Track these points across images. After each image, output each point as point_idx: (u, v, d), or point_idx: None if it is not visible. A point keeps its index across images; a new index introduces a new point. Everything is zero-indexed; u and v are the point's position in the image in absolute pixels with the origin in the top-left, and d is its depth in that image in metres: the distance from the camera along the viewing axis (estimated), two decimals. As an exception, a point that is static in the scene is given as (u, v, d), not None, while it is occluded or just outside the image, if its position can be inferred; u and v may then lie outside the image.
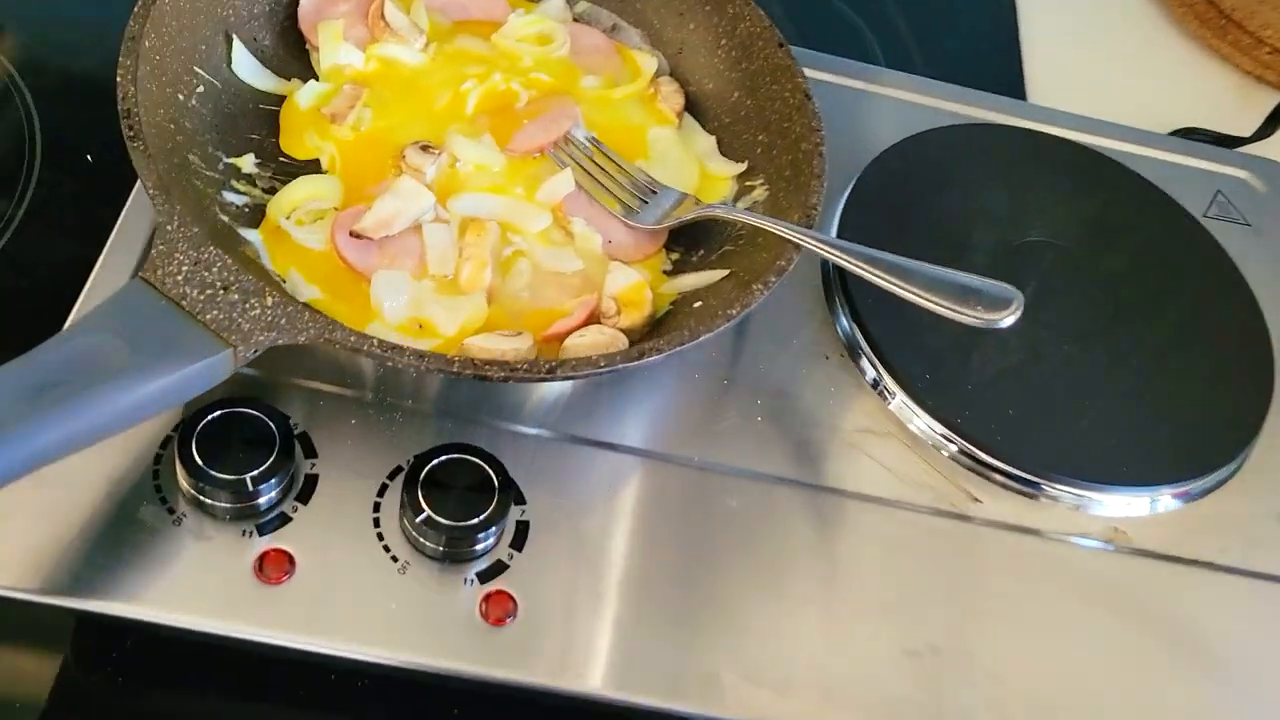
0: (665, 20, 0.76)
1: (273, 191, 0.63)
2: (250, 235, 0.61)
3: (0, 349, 0.61)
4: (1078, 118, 0.86)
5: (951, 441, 0.65)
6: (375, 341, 0.52)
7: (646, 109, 0.72)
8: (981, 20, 1.05)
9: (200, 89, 0.64)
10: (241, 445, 0.54)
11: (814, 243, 0.59)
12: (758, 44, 0.71)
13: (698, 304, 0.64)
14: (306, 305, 0.53)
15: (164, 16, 0.62)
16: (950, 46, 1.01)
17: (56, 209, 0.72)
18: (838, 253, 0.59)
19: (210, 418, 0.55)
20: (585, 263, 0.64)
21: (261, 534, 0.55)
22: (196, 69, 0.64)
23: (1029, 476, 0.65)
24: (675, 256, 0.67)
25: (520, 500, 0.58)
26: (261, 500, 0.54)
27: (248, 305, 0.52)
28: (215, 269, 0.53)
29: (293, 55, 0.70)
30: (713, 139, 0.72)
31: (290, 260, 0.60)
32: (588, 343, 0.59)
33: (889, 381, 0.67)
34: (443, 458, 0.56)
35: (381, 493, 0.57)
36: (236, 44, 0.67)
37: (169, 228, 0.54)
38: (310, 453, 0.57)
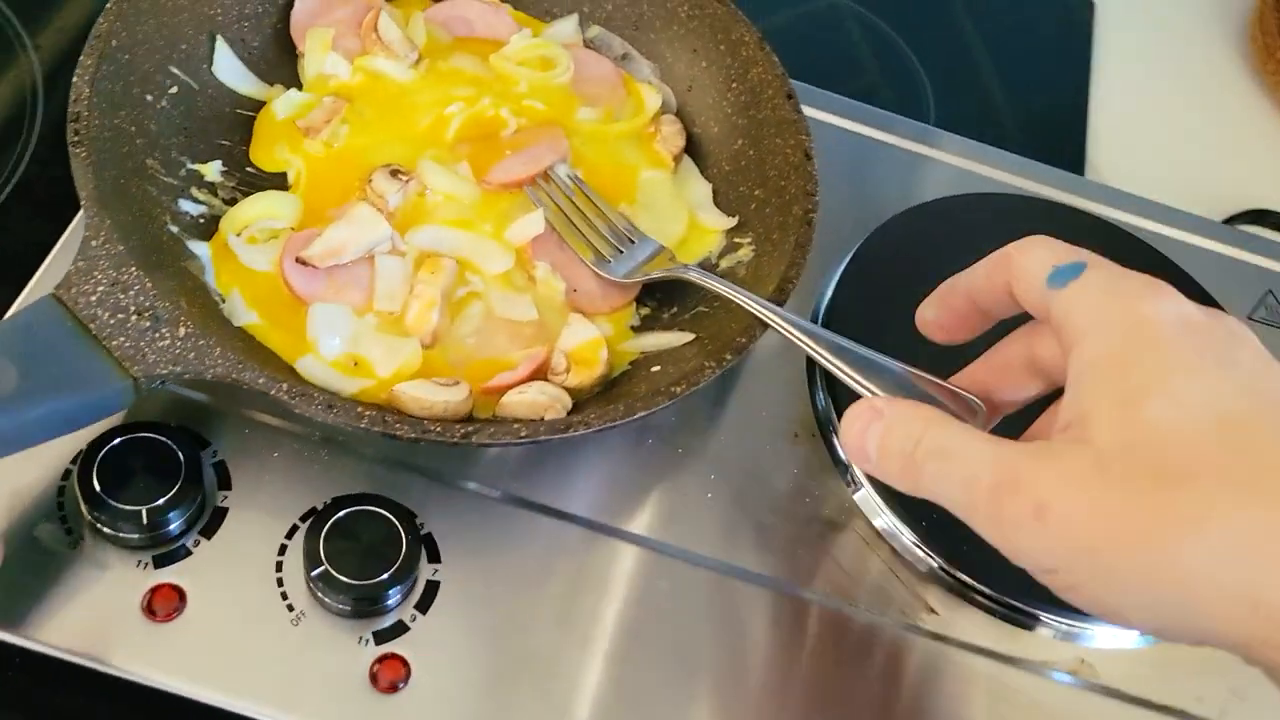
0: (678, 55, 0.71)
1: (233, 203, 0.61)
2: (199, 249, 0.59)
3: None
4: (1128, 197, 0.80)
5: (916, 546, 0.60)
6: (284, 387, 0.50)
7: (642, 149, 0.69)
8: (1050, 72, 0.98)
9: (173, 90, 0.62)
10: (147, 473, 0.53)
11: (779, 323, 0.55)
12: (767, 92, 0.67)
13: (655, 368, 0.60)
14: (219, 341, 0.51)
15: (140, 14, 0.60)
16: (1011, 100, 0.95)
17: (45, 191, 0.71)
18: (801, 337, 0.54)
19: (116, 442, 0.53)
20: (543, 312, 0.61)
21: (157, 566, 0.53)
22: (173, 69, 0.62)
23: (994, 594, 0.60)
24: (645, 311, 0.64)
25: (435, 558, 0.55)
26: (161, 532, 0.53)
27: (158, 334, 0.50)
28: (132, 292, 0.51)
29: (280, 60, 0.67)
30: (709, 187, 0.68)
31: (234, 280, 0.58)
32: (527, 401, 0.56)
33: (858, 472, 0.62)
34: (350, 509, 0.54)
35: (291, 534, 0.55)
36: (220, 44, 0.65)
37: (93, 243, 0.52)
38: (225, 484, 0.55)
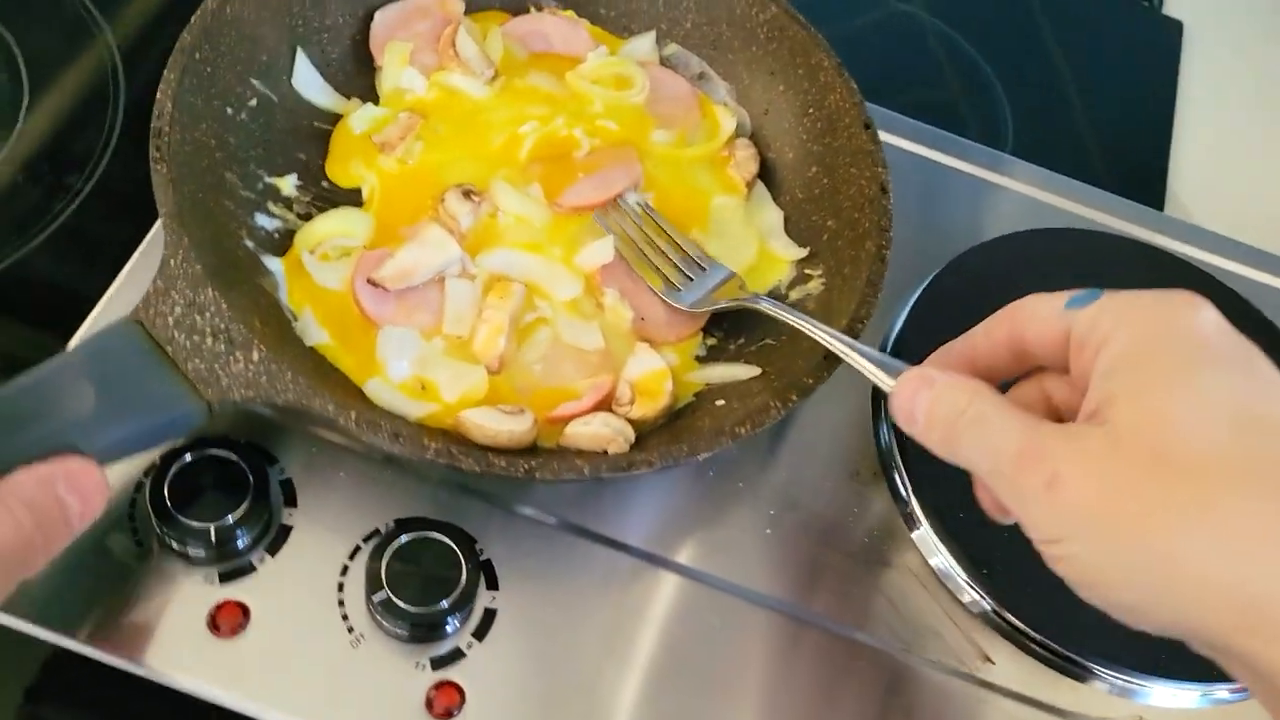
0: (755, 77, 0.71)
1: (308, 218, 0.62)
2: (273, 265, 0.59)
3: (47, 326, 0.65)
4: (1209, 235, 0.78)
5: (973, 589, 0.60)
6: (352, 415, 0.50)
7: (715, 174, 0.68)
8: (1134, 97, 0.95)
9: (253, 102, 0.62)
10: (216, 489, 0.53)
11: (852, 356, 0.53)
12: (844, 120, 0.66)
13: (720, 402, 0.59)
14: (291, 365, 0.51)
15: (224, 27, 0.60)
16: (1093, 125, 0.93)
17: (127, 187, 0.72)
18: (874, 372, 0.52)
19: (187, 458, 0.54)
20: (609, 339, 0.60)
21: (223, 582, 0.54)
22: (253, 81, 0.63)
23: (1050, 643, 0.59)
24: (712, 342, 0.63)
25: (493, 585, 0.56)
26: (228, 548, 0.53)
27: (233, 358, 0.51)
28: (208, 313, 0.51)
29: (358, 73, 0.68)
30: (781, 214, 0.68)
31: (306, 298, 0.59)
32: (590, 433, 0.56)
33: (918, 510, 0.61)
34: (413, 534, 0.54)
35: (353, 555, 0.55)
36: (301, 56, 0.65)
37: (171, 262, 0.52)
38: (291, 501, 0.56)
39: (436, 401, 0.57)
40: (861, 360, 0.51)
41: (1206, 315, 0.42)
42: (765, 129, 0.70)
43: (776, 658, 0.57)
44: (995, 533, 0.60)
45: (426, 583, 0.53)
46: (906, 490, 0.62)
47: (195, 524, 0.52)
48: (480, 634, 0.55)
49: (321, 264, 0.59)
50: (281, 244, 0.61)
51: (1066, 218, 0.77)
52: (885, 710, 0.57)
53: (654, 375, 0.59)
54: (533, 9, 0.72)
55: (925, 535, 0.61)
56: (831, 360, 0.56)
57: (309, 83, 0.65)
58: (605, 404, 0.58)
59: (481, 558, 0.56)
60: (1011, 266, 0.71)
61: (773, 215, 0.67)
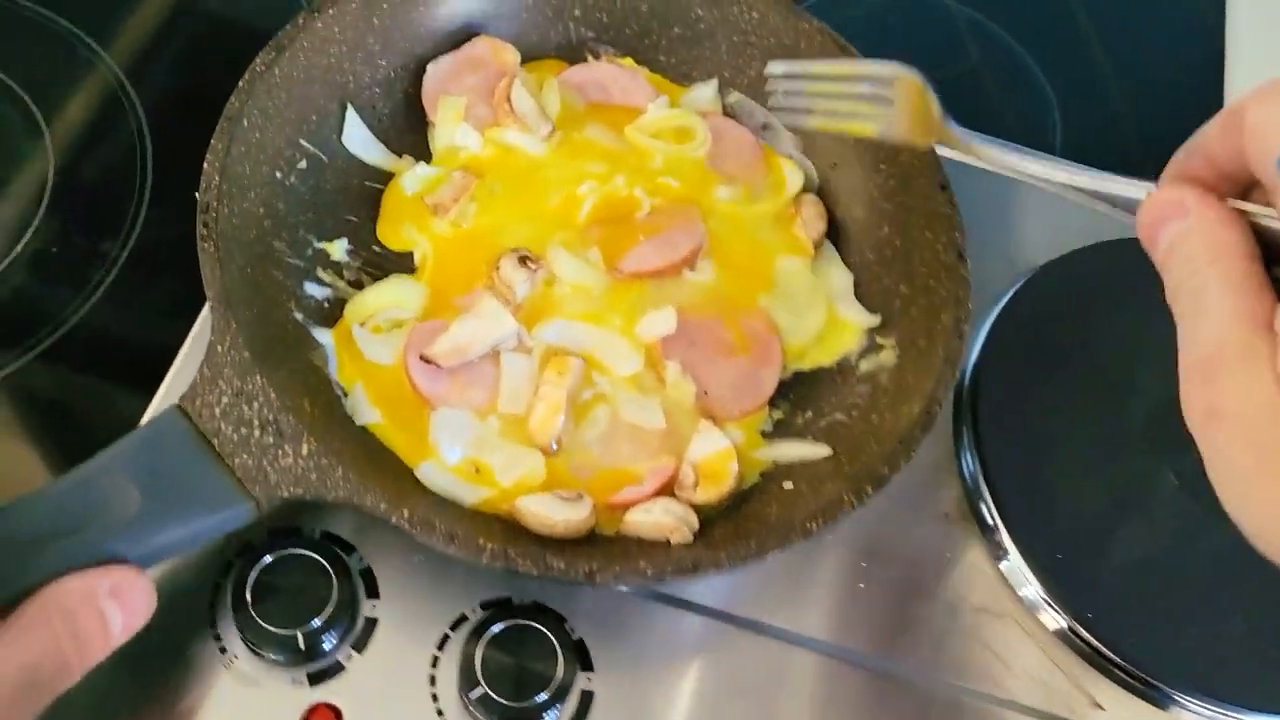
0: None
1: (358, 285, 0.60)
2: (323, 337, 0.57)
3: (96, 407, 0.64)
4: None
5: (1077, 635, 0.57)
6: (405, 514, 0.48)
7: (781, 231, 0.65)
8: (1180, 84, 0.90)
9: (302, 164, 0.60)
10: (299, 589, 0.51)
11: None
12: (919, 179, 0.63)
13: (787, 485, 0.57)
14: (341, 460, 0.49)
15: (272, 89, 0.58)
16: (1139, 119, 0.87)
17: (163, 252, 0.69)
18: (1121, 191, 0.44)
19: (266, 561, 0.51)
20: (671, 415, 0.58)
21: (312, 684, 0.51)
22: (303, 142, 0.60)
23: (1164, 687, 0.56)
24: (779, 415, 0.60)
25: (587, 666, 0.53)
26: (316, 649, 0.51)
27: (281, 451, 0.49)
28: (256, 403, 0.49)
29: (409, 129, 0.65)
30: (850, 277, 0.64)
31: (357, 373, 0.56)
32: (652, 521, 0.54)
33: (1014, 555, 0.58)
34: (504, 623, 0.52)
35: (441, 645, 0.53)
36: (351, 113, 0.63)
37: (219, 348, 0.50)
38: (372, 591, 0.54)
39: (492, 486, 0.54)
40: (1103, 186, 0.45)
41: None
42: (833, 184, 0.67)
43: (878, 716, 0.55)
44: (1097, 574, 0.58)
45: (523, 674, 0.51)
46: (1001, 538, 0.59)
47: (283, 631, 0.50)
48: (581, 717, 0.52)
49: (373, 337, 0.57)
50: (331, 314, 0.58)
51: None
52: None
53: (719, 456, 0.56)
54: (590, 56, 0.69)
55: (1024, 582, 0.58)
56: (906, 445, 0.54)
57: (359, 140, 0.63)
58: (667, 488, 0.56)
59: (573, 637, 0.53)
60: (1092, 284, 0.68)
61: (842, 278, 0.64)
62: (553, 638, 0.52)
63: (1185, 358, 0.37)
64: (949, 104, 0.61)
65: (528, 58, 0.67)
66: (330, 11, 0.61)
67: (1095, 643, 0.56)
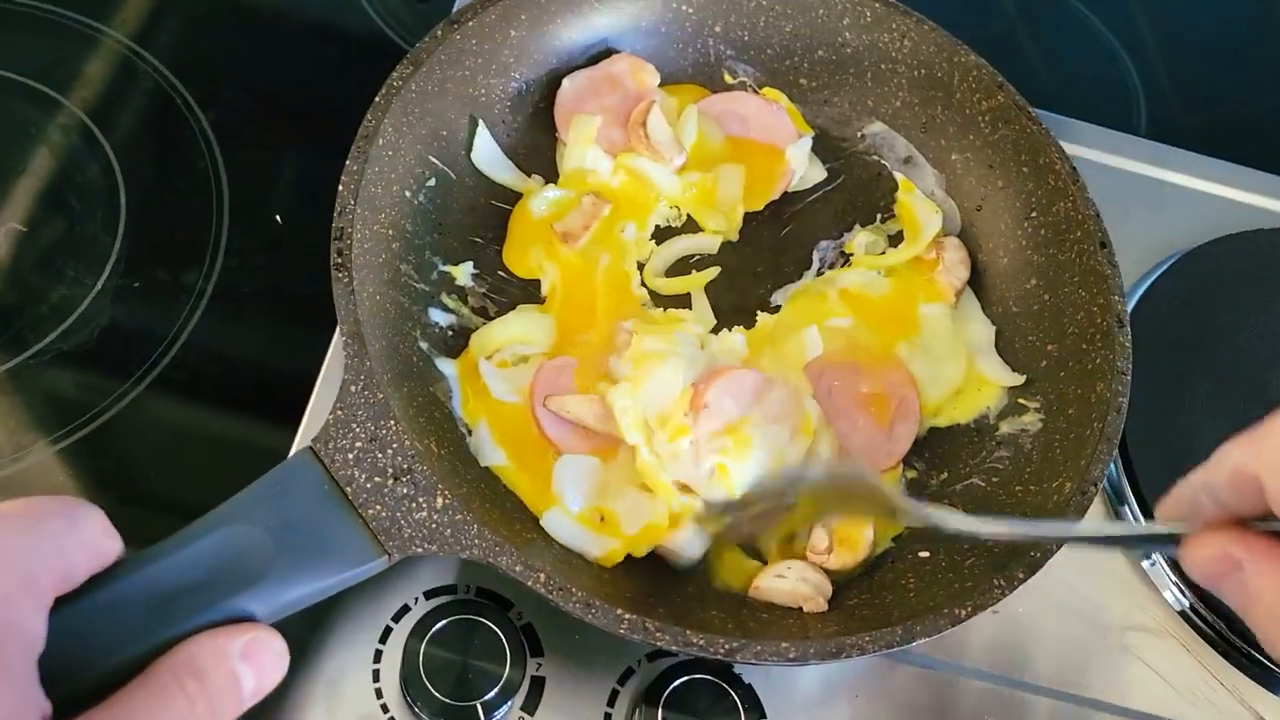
0: (971, 168, 0.64)
1: (483, 312, 0.57)
2: (446, 368, 0.55)
3: (207, 437, 0.61)
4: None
5: (1234, 647, 0.56)
6: (541, 579, 0.46)
7: (919, 277, 0.62)
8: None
9: (431, 182, 0.58)
10: (469, 660, 0.49)
11: (1085, 538, 0.48)
12: (1074, 233, 0.59)
13: (924, 554, 0.54)
14: (476, 517, 0.47)
15: (407, 105, 0.56)
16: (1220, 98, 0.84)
17: (248, 283, 0.65)
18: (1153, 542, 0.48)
19: (437, 628, 0.49)
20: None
21: None
22: (432, 159, 0.58)
23: None
24: (912, 475, 0.58)
25: (761, 713, 0.51)
26: (492, 716, 0.49)
27: (415, 504, 0.47)
28: (390, 451, 0.47)
29: (539, 146, 0.63)
30: (992, 329, 0.61)
31: (482, 410, 0.54)
32: (786, 589, 0.51)
33: (1165, 567, 0.58)
34: (679, 680, 0.50)
35: (612, 701, 0.51)
36: (481, 128, 0.60)
37: (353, 388, 0.48)
38: (536, 649, 0.52)
39: (616, 536, 0.52)
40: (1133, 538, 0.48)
41: None
42: (976, 227, 0.63)
43: None
44: None
45: None
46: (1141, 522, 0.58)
47: (461, 704, 0.48)
48: None
49: (499, 372, 0.55)
50: (455, 344, 0.56)
51: (1261, 216, 0.71)
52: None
53: (854, 520, 0.54)
54: (728, 76, 0.66)
55: (1180, 597, 0.57)
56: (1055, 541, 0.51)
57: (488, 157, 0.60)
58: (800, 552, 0.53)
59: (744, 682, 0.51)
60: (1228, 274, 0.66)
61: (982, 329, 0.61)
62: (729, 689, 0.50)
63: None
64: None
65: (666, 80, 0.64)
66: (470, 23, 0.58)
67: (1250, 649, 0.56)
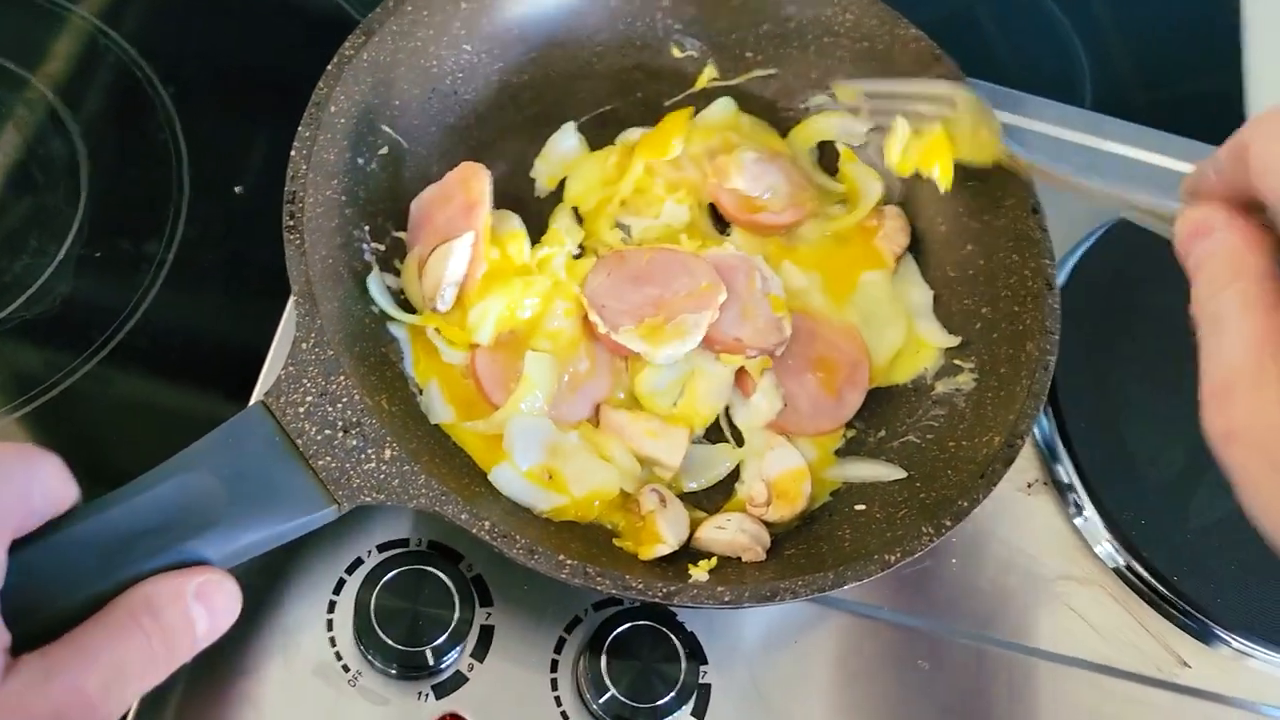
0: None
1: (435, 277, 0.59)
2: (398, 331, 0.57)
3: (167, 407, 0.62)
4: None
5: (1162, 598, 0.58)
6: (485, 526, 0.48)
7: (861, 244, 0.64)
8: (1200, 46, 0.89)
9: (384, 150, 0.59)
10: (419, 605, 0.51)
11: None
12: (1008, 200, 0.61)
13: (859, 507, 0.56)
14: (424, 468, 0.48)
15: (359, 74, 0.57)
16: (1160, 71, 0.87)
17: (208, 253, 0.66)
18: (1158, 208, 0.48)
19: (388, 577, 0.51)
20: (748, 433, 0.57)
21: (439, 697, 0.51)
22: (384, 127, 0.59)
23: (1249, 643, 0.58)
24: (851, 434, 0.60)
25: (702, 659, 0.53)
26: (441, 662, 0.51)
27: (364, 456, 0.48)
28: (339, 405, 0.49)
29: (488, 131, 0.64)
30: (930, 293, 0.63)
31: (433, 371, 0.56)
32: (727, 539, 0.53)
33: (1098, 522, 0.60)
34: (623, 626, 0.52)
35: (559, 648, 0.53)
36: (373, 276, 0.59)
37: (304, 345, 0.50)
38: (485, 600, 0.53)
39: (563, 493, 0.54)
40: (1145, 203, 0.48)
41: None
42: (918, 197, 0.65)
43: (988, 692, 0.56)
44: (1180, 535, 0.59)
45: (646, 676, 0.51)
46: (1082, 505, 0.60)
47: (410, 649, 0.50)
48: (700, 711, 0.52)
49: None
50: (406, 304, 0.58)
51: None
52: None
53: (792, 475, 0.56)
54: (675, 49, 0.67)
55: (1109, 550, 0.60)
56: (988, 480, 0.53)
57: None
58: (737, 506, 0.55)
59: (686, 630, 0.53)
60: (1166, 241, 0.66)
61: (921, 294, 0.63)
62: (673, 637, 0.52)
63: (1205, 382, 0.39)
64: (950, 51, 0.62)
65: (611, 51, 0.66)
66: (421, -6, 0.59)
67: (1184, 604, 0.58)
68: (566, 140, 0.64)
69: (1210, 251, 0.41)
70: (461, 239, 0.56)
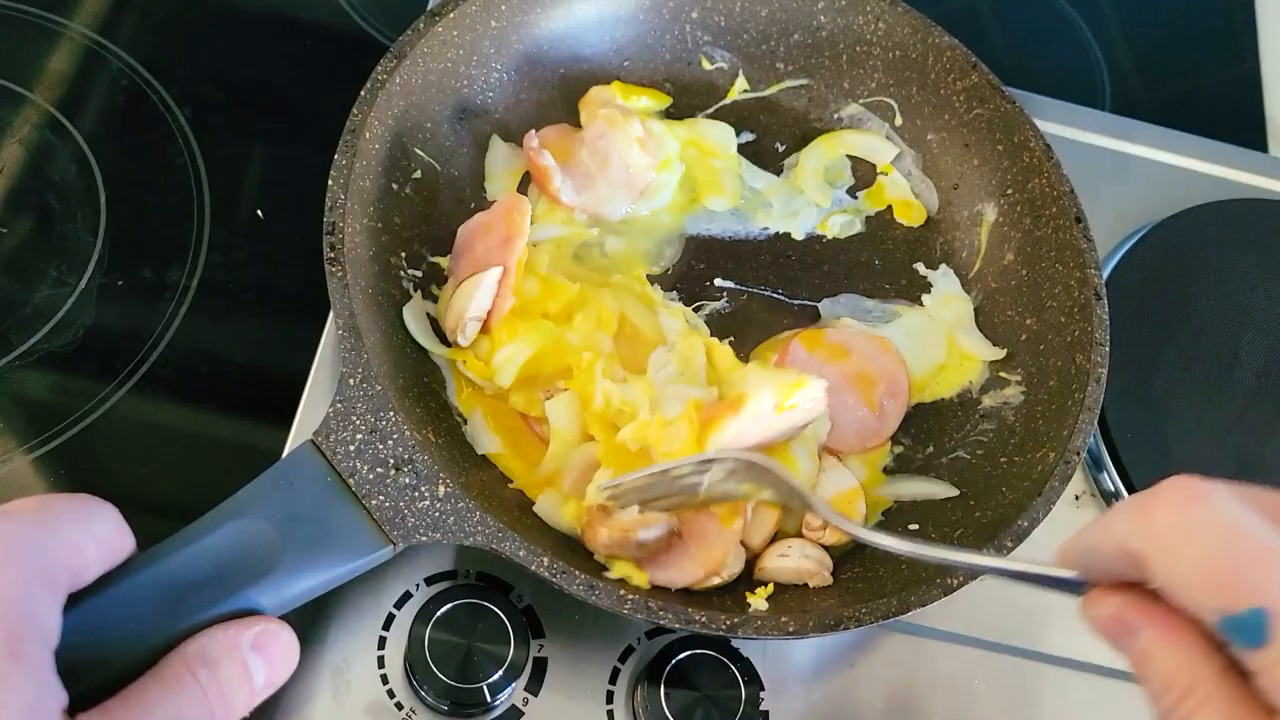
0: (947, 147, 0.65)
1: (473, 302, 0.58)
2: (439, 360, 0.56)
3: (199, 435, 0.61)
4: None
5: None
6: (544, 563, 0.47)
7: (900, 256, 0.63)
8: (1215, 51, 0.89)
9: (417, 174, 0.58)
10: (474, 644, 0.49)
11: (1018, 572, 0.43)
12: (1050, 209, 0.60)
13: (913, 527, 0.55)
14: (479, 505, 0.47)
15: (391, 98, 0.56)
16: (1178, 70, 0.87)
17: (232, 278, 0.65)
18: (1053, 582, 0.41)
19: (440, 612, 0.50)
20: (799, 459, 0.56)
21: None
22: (417, 150, 0.58)
23: None
24: (899, 450, 0.59)
25: (760, 685, 0.52)
26: (496, 698, 0.50)
27: (417, 494, 0.47)
28: (390, 442, 0.48)
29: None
30: (970, 305, 0.62)
31: (476, 400, 0.55)
32: (790, 567, 0.52)
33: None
34: (679, 655, 0.51)
35: (614, 679, 0.52)
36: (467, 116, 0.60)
37: (350, 381, 0.49)
38: (537, 631, 0.52)
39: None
40: (1034, 575, 0.41)
41: None
42: (953, 205, 0.65)
43: (1008, 702, 0.55)
44: None
45: (705, 704, 0.50)
46: (1117, 487, 0.60)
47: (468, 686, 0.49)
48: None
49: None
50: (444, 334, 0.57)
51: (1227, 187, 0.72)
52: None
53: (846, 495, 0.55)
54: (705, 61, 0.66)
55: None
56: (1046, 499, 0.52)
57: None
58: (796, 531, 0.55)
59: (742, 655, 0.52)
60: (1196, 245, 0.68)
61: (961, 307, 0.62)
62: (730, 664, 0.51)
63: None
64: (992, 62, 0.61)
65: (642, 65, 0.65)
66: (451, 15, 0.58)
67: None
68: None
69: (1149, 660, 0.36)
70: (489, 273, 0.55)
